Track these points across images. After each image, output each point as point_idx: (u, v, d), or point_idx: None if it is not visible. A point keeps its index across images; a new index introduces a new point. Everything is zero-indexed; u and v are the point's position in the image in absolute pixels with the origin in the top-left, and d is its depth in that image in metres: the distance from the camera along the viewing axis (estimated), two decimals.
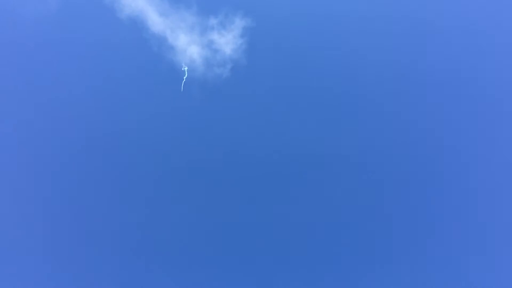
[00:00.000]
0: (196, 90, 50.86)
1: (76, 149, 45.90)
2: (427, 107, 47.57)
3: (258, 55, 54.75)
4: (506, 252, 39.03)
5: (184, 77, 47.91)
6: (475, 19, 51.74)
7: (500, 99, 46.88)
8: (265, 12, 56.23)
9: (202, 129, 50.01)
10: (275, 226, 43.49)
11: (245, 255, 40.74)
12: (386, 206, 43.22)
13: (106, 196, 43.54)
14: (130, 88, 51.02)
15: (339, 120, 50.10)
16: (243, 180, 46.75)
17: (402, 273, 39.00)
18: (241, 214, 44.26)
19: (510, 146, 44.18)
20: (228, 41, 54.39)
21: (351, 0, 55.43)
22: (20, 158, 43.22)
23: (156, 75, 52.06)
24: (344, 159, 47.68)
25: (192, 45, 52.69)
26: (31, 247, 37.52)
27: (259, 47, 54.87)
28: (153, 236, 41.40)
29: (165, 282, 37.52)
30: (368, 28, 54.83)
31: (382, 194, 44.25)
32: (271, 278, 38.95)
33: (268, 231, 42.98)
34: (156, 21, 53.87)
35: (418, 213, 42.24)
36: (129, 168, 45.58)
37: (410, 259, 39.90)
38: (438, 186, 43.33)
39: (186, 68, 48.16)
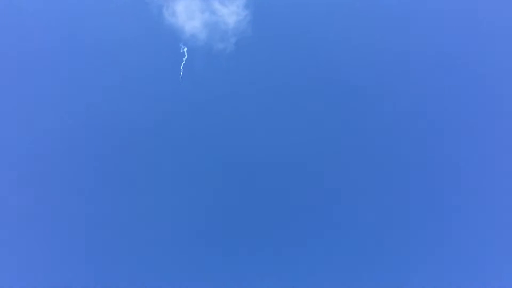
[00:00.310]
0: (198, 69, 47.35)
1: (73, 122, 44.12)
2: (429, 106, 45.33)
3: (264, 28, 50.18)
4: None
5: (184, 59, 43.99)
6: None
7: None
8: None
9: (205, 108, 47.40)
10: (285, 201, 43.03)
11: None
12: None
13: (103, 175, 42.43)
14: (129, 60, 47.47)
15: (347, 97, 47.42)
16: (246, 161, 45.17)
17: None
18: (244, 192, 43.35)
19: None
20: (231, 12, 49.40)
21: None
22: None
23: (156, 48, 48.37)
24: (352, 135, 45.86)
25: (192, 20, 48.10)
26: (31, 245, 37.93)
27: (265, 19, 50.22)
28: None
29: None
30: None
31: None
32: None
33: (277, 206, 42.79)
34: None
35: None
36: (124, 148, 43.94)
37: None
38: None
39: (185, 49, 44.03)
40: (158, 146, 43.46)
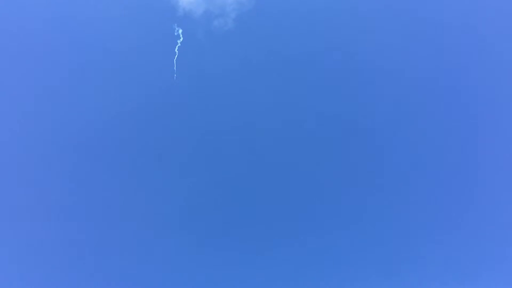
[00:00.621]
0: (194, 48, 44.09)
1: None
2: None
3: (266, 1, 46.07)
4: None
5: (179, 41, 40.66)
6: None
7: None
8: None
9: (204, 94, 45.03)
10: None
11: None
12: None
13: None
14: (118, 40, 44.45)
15: (350, 77, 45.20)
16: (248, 150, 43.91)
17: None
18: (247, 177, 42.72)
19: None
20: None
21: None
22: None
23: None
24: (352, 114, 44.53)
25: None
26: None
27: None
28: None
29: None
30: None
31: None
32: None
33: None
34: None
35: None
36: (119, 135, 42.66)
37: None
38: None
39: (180, 31, 40.53)
40: (154, 139, 42.16)
